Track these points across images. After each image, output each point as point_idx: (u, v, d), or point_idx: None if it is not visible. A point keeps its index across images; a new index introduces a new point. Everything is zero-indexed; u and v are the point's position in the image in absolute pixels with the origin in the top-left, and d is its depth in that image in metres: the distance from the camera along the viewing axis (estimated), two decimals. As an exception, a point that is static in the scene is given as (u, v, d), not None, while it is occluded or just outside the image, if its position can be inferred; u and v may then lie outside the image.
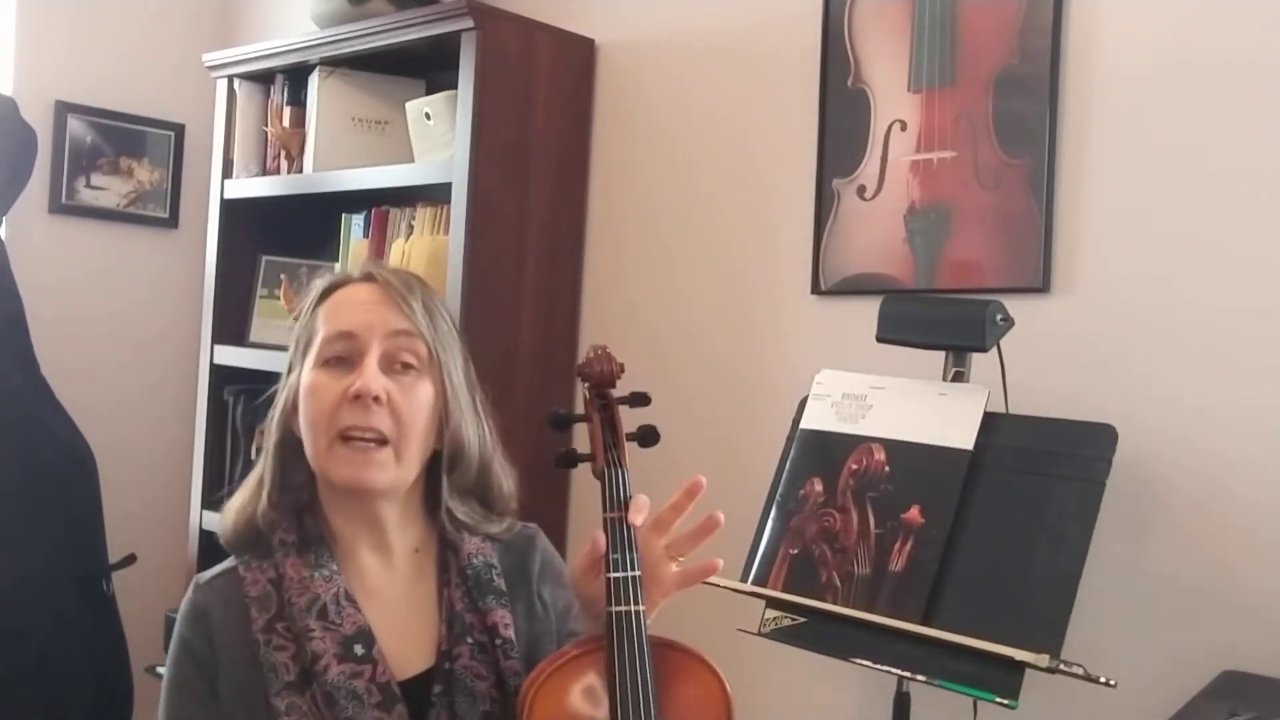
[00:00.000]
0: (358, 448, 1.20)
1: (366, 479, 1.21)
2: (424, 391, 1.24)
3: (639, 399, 1.31)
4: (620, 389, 1.33)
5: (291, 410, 1.26)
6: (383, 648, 1.21)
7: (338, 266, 2.63)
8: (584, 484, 2.35)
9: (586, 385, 1.30)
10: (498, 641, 1.25)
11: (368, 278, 1.28)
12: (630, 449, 1.28)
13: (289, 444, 1.26)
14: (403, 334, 1.24)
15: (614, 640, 1.16)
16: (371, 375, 1.20)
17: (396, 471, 1.22)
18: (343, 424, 1.20)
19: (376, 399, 1.19)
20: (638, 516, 1.21)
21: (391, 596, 1.27)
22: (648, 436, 1.31)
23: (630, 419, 1.32)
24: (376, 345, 1.22)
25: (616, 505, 1.22)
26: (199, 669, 1.22)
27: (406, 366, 1.24)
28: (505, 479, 1.33)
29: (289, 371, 1.29)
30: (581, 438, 1.35)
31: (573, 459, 1.30)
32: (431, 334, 1.25)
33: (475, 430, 1.29)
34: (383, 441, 1.21)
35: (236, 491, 1.30)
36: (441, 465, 1.28)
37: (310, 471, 1.26)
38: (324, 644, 1.18)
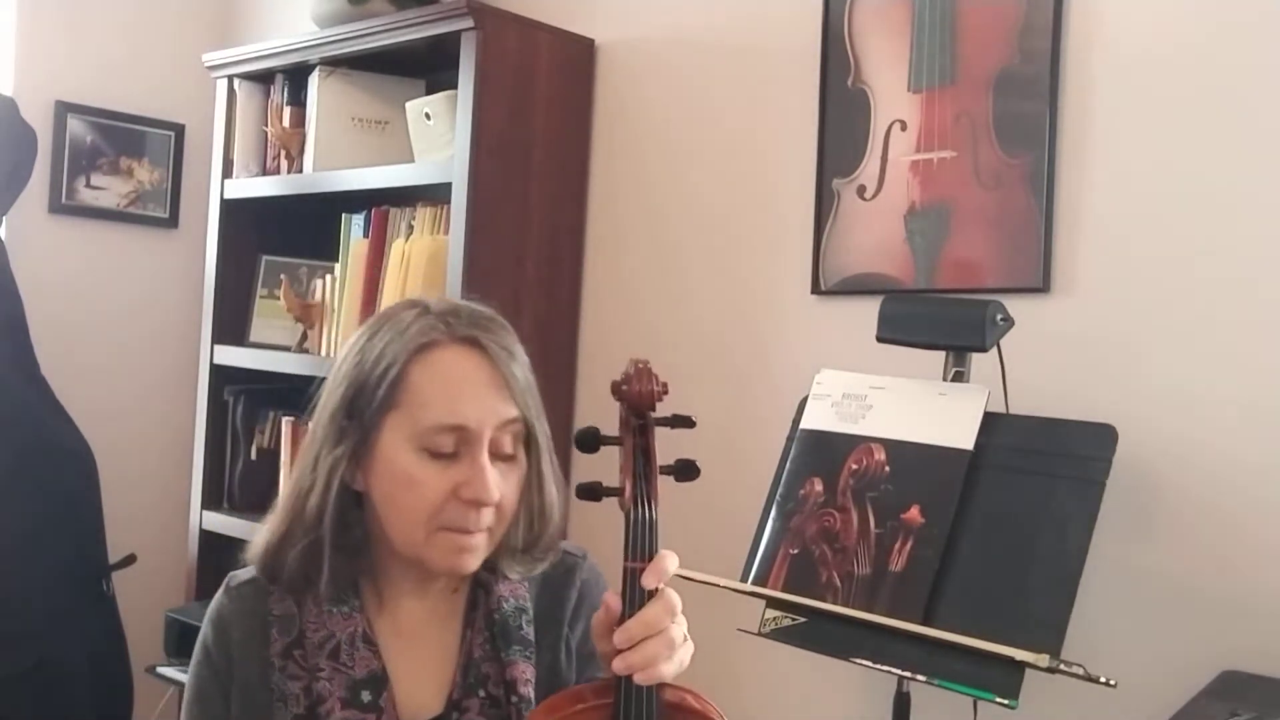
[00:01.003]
0: (461, 541, 1.15)
1: (466, 566, 1.17)
2: (519, 476, 1.19)
3: (681, 422, 1.15)
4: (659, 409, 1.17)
5: (355, 467, 1.16)
6: (395, 690, 1.17)
7: (338, 267, 2.63)
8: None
9: (624, 406, 1.14)
10: (513, 699, 1.18)
11: (472, 342, 1.16)
12: (664, 484, 1.14)
13: (346, 495, 1.17)
14: (511, 422, 1.16)
15: (623, 705, 1.08)
16: (492, 482, 1.13)
17: (488, 551, 1.19)
18: (450, 522, 1.14)
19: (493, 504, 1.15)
20: (651, 580, 1.07)
21: (414, 635, 1.22)
22: (686, 470, 1.15)
23: (667, 447, 1.16)
24: (487, 436, 1.14)
25: (640, 554, 1.09)
26: (216, 678, 1.20)
27: (508, 456, 1.17)
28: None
29: (350, 416, 1.16)
30: (608, 465, 1.19)
31: (597, 493, 1.14)
32: (530, 410, 1.18)
33: (560, 494, 1.23)
34: (484, 531, 1.17)
35: (271, 521, 1.21)
36: (520, 528, 1.23)
37: (364, 531, 1.20)
38: (330, 686, 1.15)
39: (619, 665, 1.06)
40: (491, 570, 1.23)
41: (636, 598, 1.08)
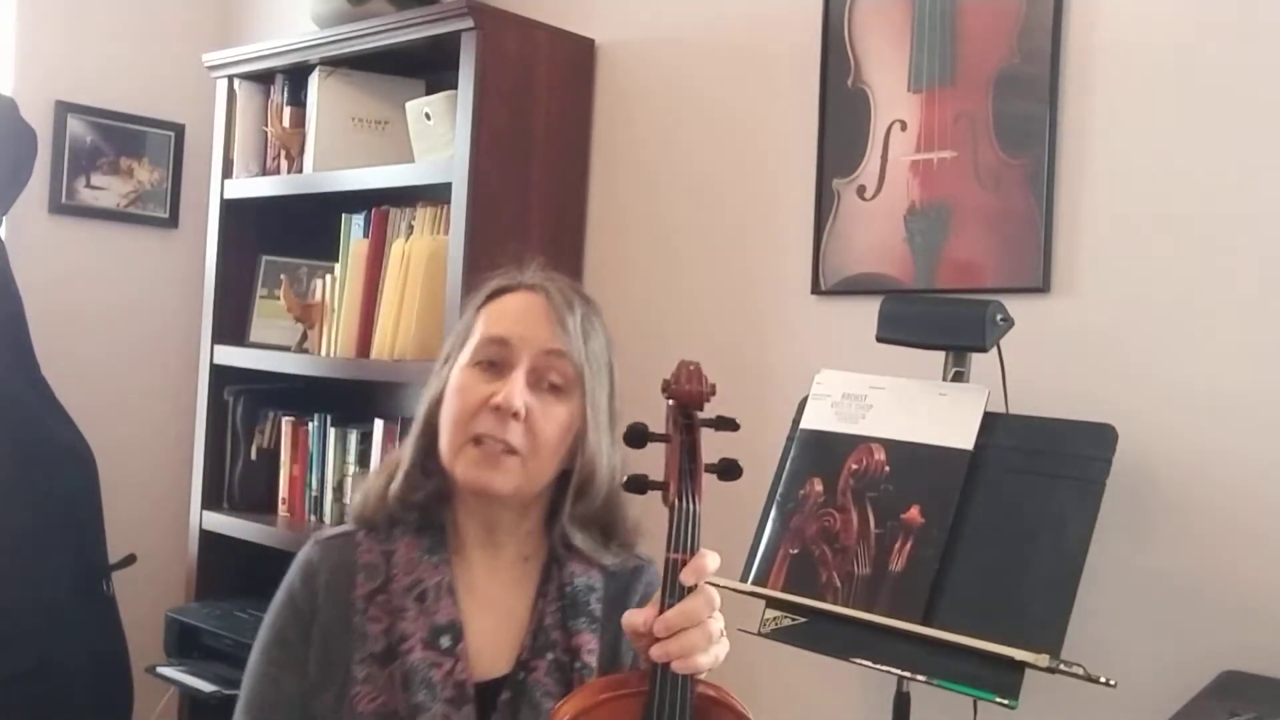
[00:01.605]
0: (486, 450, 1.22)
1: (488, 482, 1.23)
2: (563, 412, 1.25)
3: (725, 424, 1.18)
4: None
5: (438, 400, 1.29)
6: (469, 645, 1.23)
7: (338, 267, 2.63)
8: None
9: (671, 403, 1.18)
10: (577, 664, 1.24)
11: (534, 288, 1.30)
12: (707, 481, 1.17)
13: (433, 431, 1.28)
14: (555, 354, 1.25)
15: (658, 695, 1.10)
16: (516, 390, 1.22)
17: (521, 481, 1.24)
18: (478, 429, 1.23)
19: (516, 414, 1.22)
20: (691, 576, 1.10)
21: (489, 596, 1.28)
22: (730, 470, 1.18)
23: (711, 448, 1.20)
24: (527, 359, 1.24)
25: (682, 546, 1.12)
26: (299, 620, 1.26)
27: (553, 386, 1.25)
28: (628, 510, 1.32)
29: (444, 361, 1.31)
30: (654, 461, 1.21)
31: (643, 485, 1.18)
32: (582, 357, 1.26)
33: (609, 461, 1.29)
34: (512, 451, 1.23)
35: (374, 471, 1.34)
36: (569, 484, 1.29)
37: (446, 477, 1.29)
38: (414, 626, 1.22)
39: (656, 652, 1.09)
40: (566, 548, 1.29)
41: (676, 589, 1.10)
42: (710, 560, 1.12)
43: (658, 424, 1.22)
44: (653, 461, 1.19)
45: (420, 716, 1.18)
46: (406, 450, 1.31)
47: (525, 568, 1.31)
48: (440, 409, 1.28)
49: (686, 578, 1.10)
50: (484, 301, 1.31)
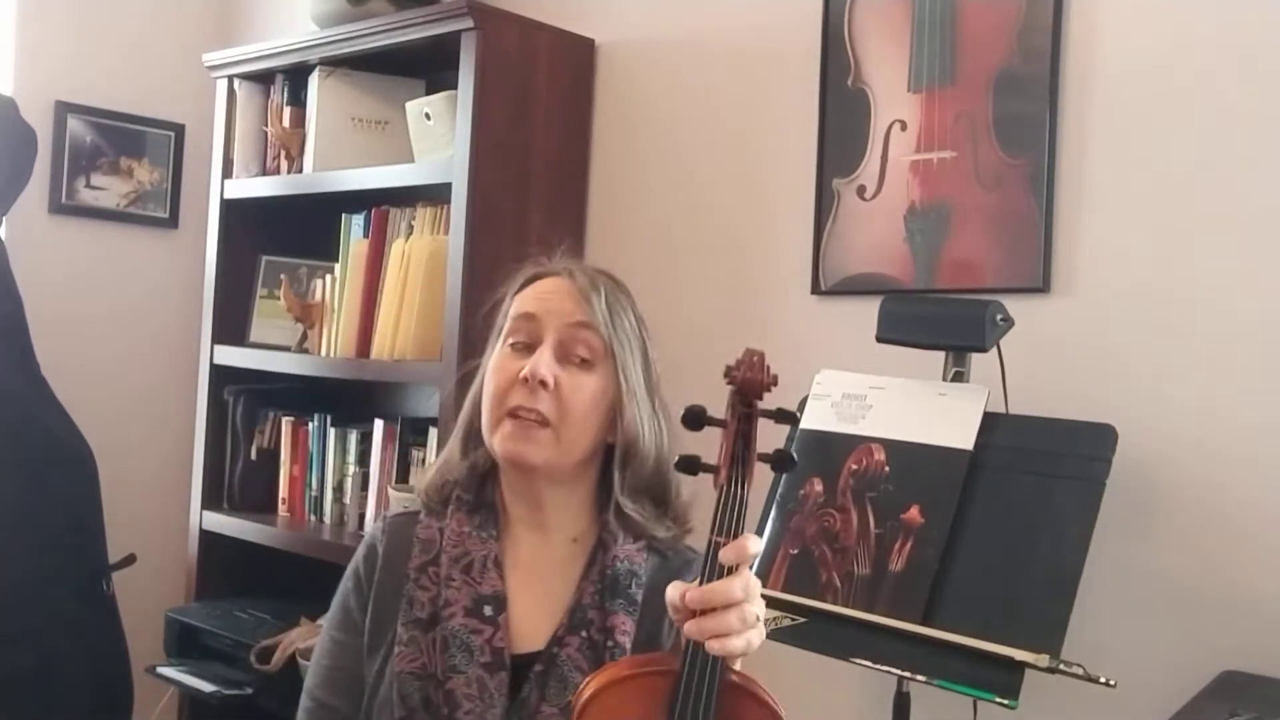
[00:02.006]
0: (520, 423, 1.28)
1: (523, 453, 1.28)
2: (593, 383, 1.30)
3: (785, 417, 1.18)
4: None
5: (481, 386, 1.35)
6: (511, 617, 1.29)
7: (338, 267, 2.63)
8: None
9: (732, 389, 1.18)
10: (609, 644, 1.27)
11: (561, 272, 1.36)
12: (759, 470, 1.17)
13: (478, 414, 1.35)
14: (580, 325, 1.31)
15: (686, 673, 1.11)
16: (543, 361, 1.28)
17: (555, 452, 1.29)
18: (511, 403, 1.28)
19: (544, 383, 1.27)
20: (731, 556, 1.10)
21: (535, 574, 1.33)
22: (783, 462, 1.18)
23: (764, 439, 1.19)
24: (553, 333, 1.30)
25: (727, 530, 1.13)
26: (359, 591, 1.34)
27: (582, 359, 1.30)
28: (679, 481, 1.35)
29: (487, 352, 1.38)
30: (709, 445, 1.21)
31: (695, 466, 1.18)
32: (609, 329, 1.31)
33: (651, 428, 1.33)
34: (544, 423, 1.28)
35: (437, 456, 1.42)
36: (615, 460, 1.33)
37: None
38: (458, 594, 1.28)
39: (691, 629, 1.09)
40: (617, 528, 1.33)
41: (716, 570, 1.11)
42: (753, 544, 1.12)
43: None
44: (707, 445, 1.19)
45: (455, 678, 1.24)
46: (456, 434, 1.39)
47: (573, 549, 1.34)
48: (481, 393, 1.35)
49: (727, 557, 1.10)
50: (518, 289, 1.37)
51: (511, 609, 1.29)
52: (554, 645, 1.28)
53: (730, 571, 1.11)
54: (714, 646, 1.09)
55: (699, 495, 1.31)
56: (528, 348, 1.30)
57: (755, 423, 1.18)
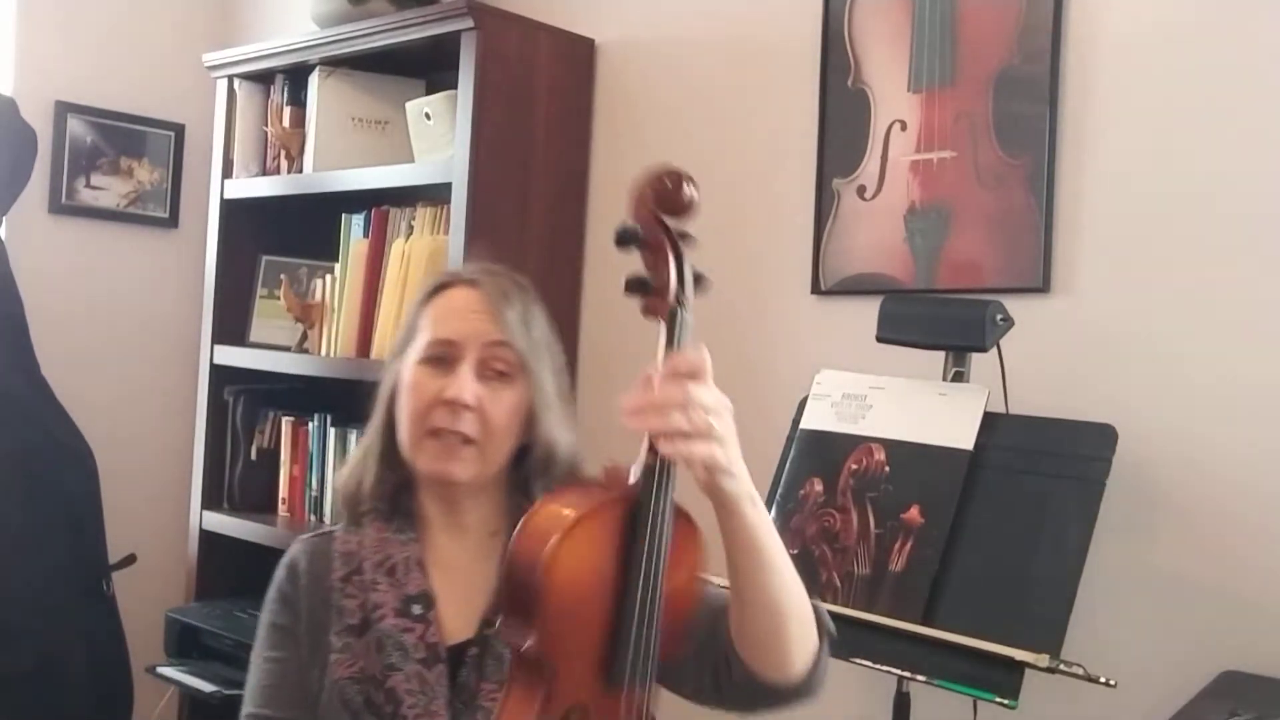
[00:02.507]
0: (444, 442, 1.30)
1: (450, 472, 1.31)
2: (511, 397, 1.33)
3: (687, 238, 1.17)
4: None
5: (393, 396, 1.37)
6: (440, 613, 1.31)
7: (338, 267, 2.63)
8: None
9: (657, 208, 1.16)
10: None
11: (472, 282, 1.36)
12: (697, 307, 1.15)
13: (391, 425, 1.36)
14: (498, 344, 1.33)
15: (653, 490, 1.10)
16: (465, 384, 1.30)
17: (479, 468, 1.32)
18: (434, 424, 1.30)
19: (467, 406, 1.29)
20: (681, 364, 1.09)
21: (457, 570, 1.35)
22: (699, 279, 1.17)
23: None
24: (473, 353, 1.32)
25: (677, 348, 1.13)
26: (289, 609, 1.35)
27: (499, 373, 1.33)
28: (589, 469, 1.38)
29: (395, 356, 1.39)
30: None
31: (646, 286, 1.14)
32: (525, 344, 1.34)
33: (564, 431, 1.36)
34: (468, 441, 1.30)
35: (344, 468, 1.42)
36: (529, 457, 1.36)
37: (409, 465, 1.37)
38: (386, 597, 1.30)
39: (633, 421, 1.07)
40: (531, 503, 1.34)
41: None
42: (701, 352, 1.11)
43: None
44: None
45: (394, 676, 1.26)
46: (369, 445, 1.39)
47: (492, 542, 1.36)
48: (395, 404, 1.36)
49: (678, 365, 1.09)
50: (426, 299, 1.38)
51: (440, 605, 1.31)
52: (484, 627, 1.30)
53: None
54: (665, 447, 1.06)
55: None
56: (444, 365, 1.32)
57: (688, 241, 1.16)
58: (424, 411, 1.31)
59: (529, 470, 1.36)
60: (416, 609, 1.30)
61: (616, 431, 1.08)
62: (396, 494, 1.38)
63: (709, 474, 1.07)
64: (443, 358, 1.32)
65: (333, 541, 1.37)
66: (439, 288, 1.39)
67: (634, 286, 1.16)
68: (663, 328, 1.15)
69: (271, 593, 1.38)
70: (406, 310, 1.42)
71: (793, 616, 1.16)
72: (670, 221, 1.17)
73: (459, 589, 1.34)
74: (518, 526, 1.14)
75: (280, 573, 1.38)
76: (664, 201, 1.17)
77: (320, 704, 1.29)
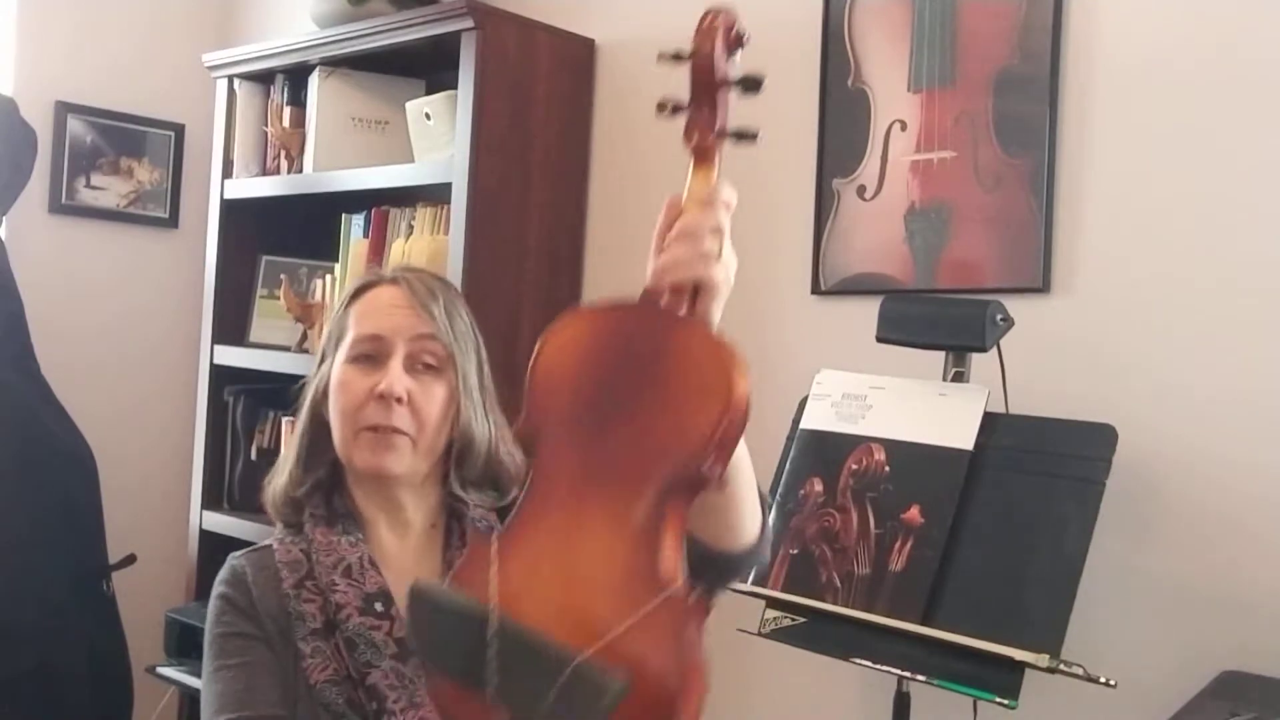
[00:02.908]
0: (378, 436, 1.31)
1: (386, 465, 1.32)
2: (440, 389, 1.34)
3: (751, 85, 1.16)
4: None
5: (322, 397, 1.37)
6: (399, 609, 1.30)
7: (338, 267, 2.63)
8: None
9: (728, 47, 1.14)
10: None
11: (395, 281, 1.38)
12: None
13: (319, 426, 1.37)
14: (425, 338, 1.34)
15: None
16: (396, 378, 1.31)
17: (413, 460, 1.33)
18: (367, 420, 1.31)
19: (399, 399, 1.31)
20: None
21: (405, 567, 1.35)
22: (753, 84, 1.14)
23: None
24: (401, 347, 1.33)
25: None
26: (244, 615, 1.32)
27: (427, 366, 1.34)
28: (513, 459, 1.40)
29: (322, 360, 1.40)
30: None
31: (674, 108, 1.16)
32: (450, 337, 1.35)
33: (483, 427, 1.37)
34: (401, 433, 1.31)
35: (275, 469, 1.41)
36: (451, 458, 1.37)
37: (336, 452, 1.37)
38: (347, 597, 1.29)
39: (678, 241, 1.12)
40: (463, 501, 1.37)
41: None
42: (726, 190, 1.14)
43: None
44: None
45: (373, 673, 1.26)
46: (294, 447, 1.40)
47: (433, 534, 1.39)
48: (323, 405, 1.37)
49: (727, 195, 1.13)
50: (349, 300, 1.39)
51: (398, 603, 1.31)
52: None
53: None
54: (681, 273, 1.11)
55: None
56: (373, 362, 1.33)
57: (729, 90, 1.14)
58: (356, 408, 1.31)
59: (450, 462, 1.38)
60: (379, 606, 1.30)
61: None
62: (330, 498, 1.37)
63: (706, 302, 1.11)
64: (371, 354, 1.33)
65: (272, 553, 1.35)
66: (362, 288, 1.40)
67: (700, 100, 1.15)
68: (696, 163, 1.18)
69: (218, 607, 1.34)
70: (330, 316, 1.43)
71: (746, 477, 1.16)
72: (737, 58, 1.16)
73: (407, 584, 1.35)
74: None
75: (222, 588, 1.36)
76: (733, 42, 1.17)
77: (296, 713, 1.27)
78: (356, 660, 1.27)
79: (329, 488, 1.38)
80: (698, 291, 1.12)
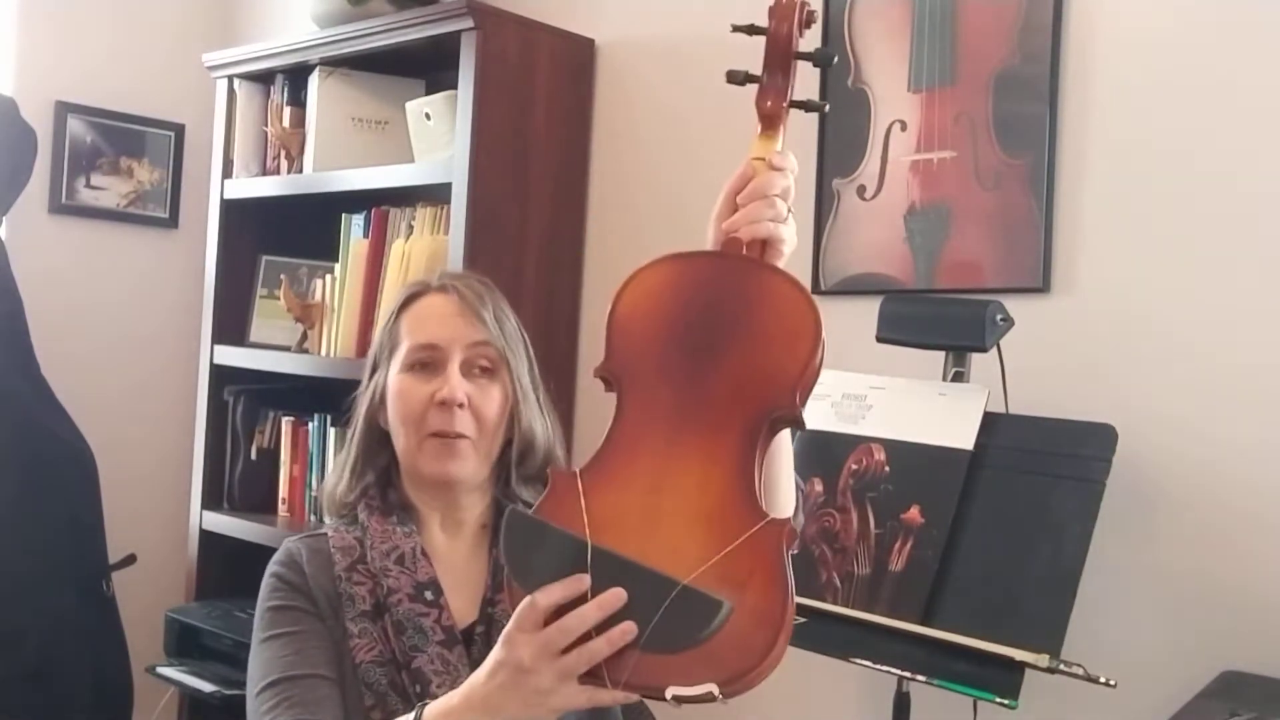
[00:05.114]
0: (443, 442, 1.35)
1: (452, 471, 1.36)
2: (496, 392, 1.38)
3: (824, 59, 1.24)
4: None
5: (379, 406, 1.41)
6: (447, 600, 1.35)
7: (337, 267, 2.63)
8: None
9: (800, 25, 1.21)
10: None
11: (444, 289, 1.42)
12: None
13: (374, 434, 1.42)
14: (480, 344, 1.38)
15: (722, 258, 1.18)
16: (456, 383, 1.35)
17: (476, 464, 1.38)
18: (431, 427, 1.35)
19: (460, 404, 1.34)
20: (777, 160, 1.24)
21: (455, 561, 1.39)
22: (825, 58, 1.24)
23: None
24: (457, 354, 1.37)
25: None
26: (296, 591, 1.35)
27: (483, 370, 1.38)
28: (565, 454, 1.46)
29: (374, 370, 1.43)
30: None
31: (747, 78, 1.27)
32: (502, 341, 1.40)
33: (542, 425, 1.42)
34: (464, 437, 1.35)
35: (331, 473, 1.47)
36: (511, 453, 1.41)
37: (390, 457, 1.41)
38: (399, 583, 1.33)
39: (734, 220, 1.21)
40: (519, 500, 1.40)
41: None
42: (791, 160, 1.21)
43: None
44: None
45: (419, 657, 1.30)
46: (350, 453, 1.44)
47: (482, 534, 1.42)
48: (379, 414, 1.41)
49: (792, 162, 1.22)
50: (399, 310, 1.43)
51: (446, 594, 1.35)
52: (487, 606, 1.35)
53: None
54: (756, 230, 1.20)
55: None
56: (428, 368, 1.37)
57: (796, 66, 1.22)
58: (419, 416, 1.35)
59: (510, 461, 1.41)
60: (429, 594, 1.33)
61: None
62: (385, 492, 1.41)
63: (774, 259, 1.19)
64: (427, 362, 1.37)
65: (326, 539, 1.39)
66: (411, 297, 1.43)
67: (775, 70, 1.25)
68: (763, 129, 1.26)
69: (271, 584, 1.37)
70: (380, 325, 1.46)
71: (788, 449, 1.20)
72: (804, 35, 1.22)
73: (457, 578, 1.38)
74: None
75: (276, 567, 1.39)
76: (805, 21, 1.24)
77: (341, 688, 1.30)
78: (404, 644, 1.30)
79: (384, 484, 1.42)
80: (763, 248, 1.20)
